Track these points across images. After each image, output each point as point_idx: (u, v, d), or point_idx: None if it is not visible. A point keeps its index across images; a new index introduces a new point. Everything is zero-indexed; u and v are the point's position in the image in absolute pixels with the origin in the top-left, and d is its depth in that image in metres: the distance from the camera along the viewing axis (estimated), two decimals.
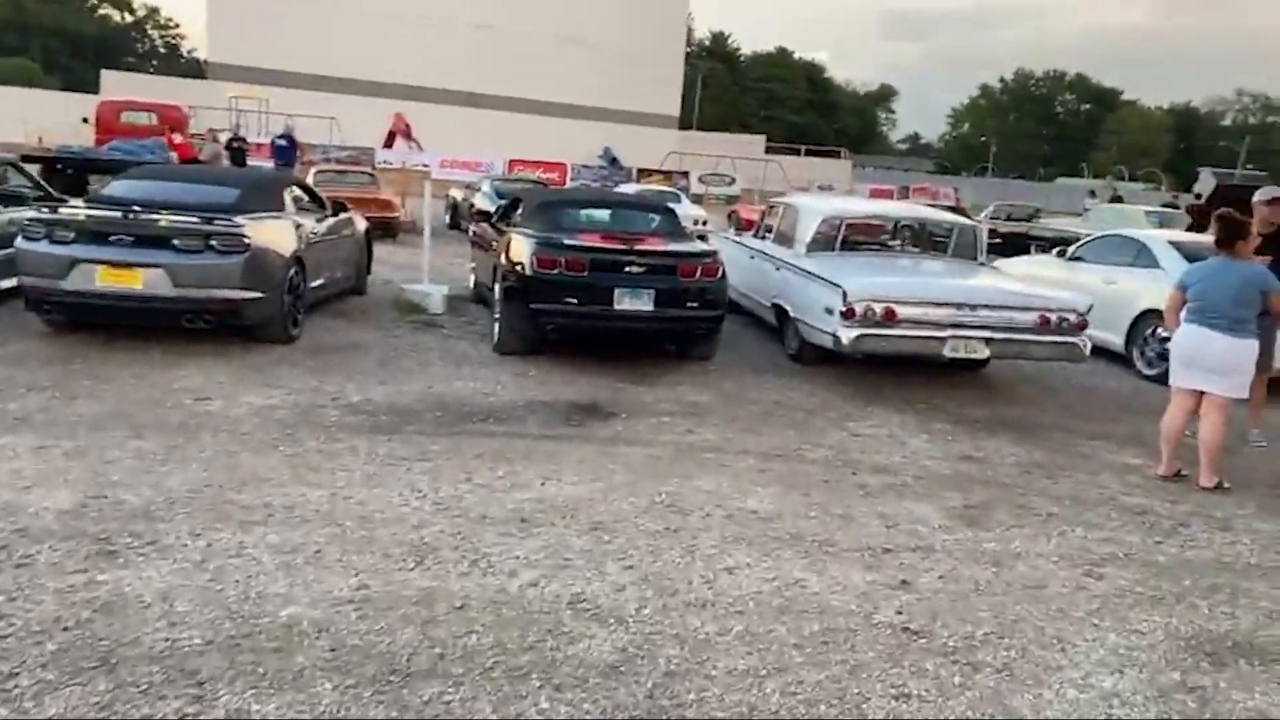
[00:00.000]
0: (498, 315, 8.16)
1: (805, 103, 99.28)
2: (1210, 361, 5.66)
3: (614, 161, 44.30)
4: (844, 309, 7.33)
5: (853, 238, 9.12)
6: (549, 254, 7.51)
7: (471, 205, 18.55)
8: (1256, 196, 6.94)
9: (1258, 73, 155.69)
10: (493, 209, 12.32)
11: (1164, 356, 9.00)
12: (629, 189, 22.93)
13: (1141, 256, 9.63)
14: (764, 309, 9.26)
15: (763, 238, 10.00)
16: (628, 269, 7.54)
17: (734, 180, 40.82)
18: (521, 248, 7.74)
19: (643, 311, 7.56)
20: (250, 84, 40.67)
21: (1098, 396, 8.31)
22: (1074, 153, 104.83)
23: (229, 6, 45.91)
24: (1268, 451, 6.87)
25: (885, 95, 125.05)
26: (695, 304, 7.72)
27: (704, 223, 18.88)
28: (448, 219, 20.29)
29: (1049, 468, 6.04)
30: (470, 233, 11.12)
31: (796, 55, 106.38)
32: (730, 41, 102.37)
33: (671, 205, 12.01)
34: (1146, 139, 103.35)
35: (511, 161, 38.45)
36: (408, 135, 40.66)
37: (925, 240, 9.88)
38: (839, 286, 7.42)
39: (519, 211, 8.95)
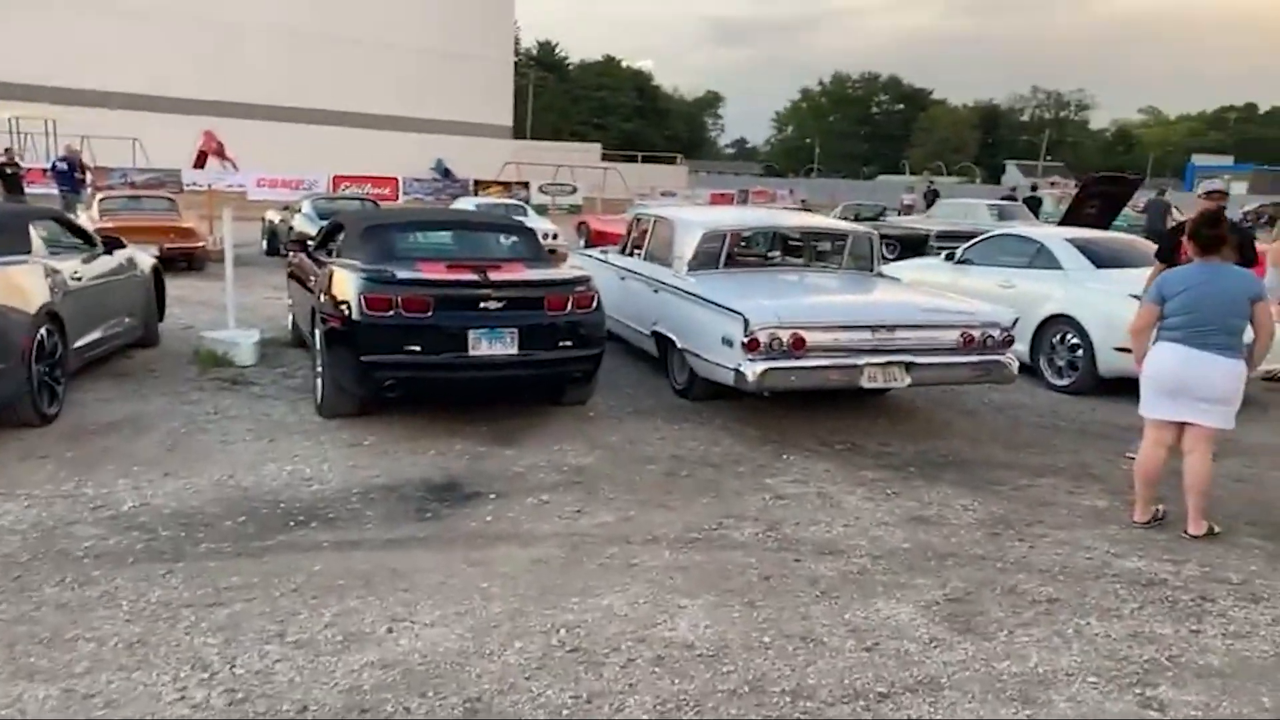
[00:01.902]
0: (320, 369, 6.57)
1: (635, 110, 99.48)
2: (1205, 389, 4.74)
3: (447, 173, 42.34)
4: (746, 339, 6.14)
5: (736, 253, 7.98)
6: (381, 291, 6.00)
7: (290, 229, 16.58)
8: (1200, 189, 6.14)
9: (1050, 71, 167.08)
10: (315, 233, 10.64)
11: (1075, 366, 8.32)
12: (467, 202, 21.20)
13: (1040, 257, 8.90)
14: (641, 337, 8.00)
15: (631, 254, 8.74)
16: (483, 305, 6.11)
17: (576, 189, 39.59)
18: (346, 285, 6.18)
19: (505, 356, 6.15)
20: (35, 103, 36.55)
21: (1017, 417, 7.44)
22: (891, 151, 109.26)
23: (7, 21, 41.29)
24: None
25: (711, 101, 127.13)
26: (569, 342, 6.36)
27: (555, 236, 17.50)
28: (264, 245, 18.16)
29: (1015, 525, 5.01)
30: (287, 263, 9.38)
31: (624, 64, 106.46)
32: (558, 50, 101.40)
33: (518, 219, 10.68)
34: (955, 136, 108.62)
35: (337, 178, 35.94)
36: (220, 154, 37.52)
37: (810, 252, 8.85)
38: (739, 314, 6.23)
39: (341, 238, 7.37)
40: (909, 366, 6.38)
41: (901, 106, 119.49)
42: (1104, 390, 8.07)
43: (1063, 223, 15.50)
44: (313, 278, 7.28)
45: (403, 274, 6.17)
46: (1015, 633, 3.77)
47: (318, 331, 6.56)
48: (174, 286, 12.61)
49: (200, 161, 37.24)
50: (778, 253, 9.21)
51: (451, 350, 6.02)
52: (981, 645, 3.64)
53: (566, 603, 3.86)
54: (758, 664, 3.43)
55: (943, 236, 18.82)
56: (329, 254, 7.45)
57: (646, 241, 8.39)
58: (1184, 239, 6.05)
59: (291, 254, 8.64)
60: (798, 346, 6.19)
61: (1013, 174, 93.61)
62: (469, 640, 3.52)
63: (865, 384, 6.32)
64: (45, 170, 20.57)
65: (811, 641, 3.62)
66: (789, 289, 7.30)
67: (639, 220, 8.89)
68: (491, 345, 6.10)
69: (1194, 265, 4.91)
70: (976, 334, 6.56)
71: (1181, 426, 4.90)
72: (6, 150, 19.95)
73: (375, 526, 4.65)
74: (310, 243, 8.51)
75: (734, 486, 5.45)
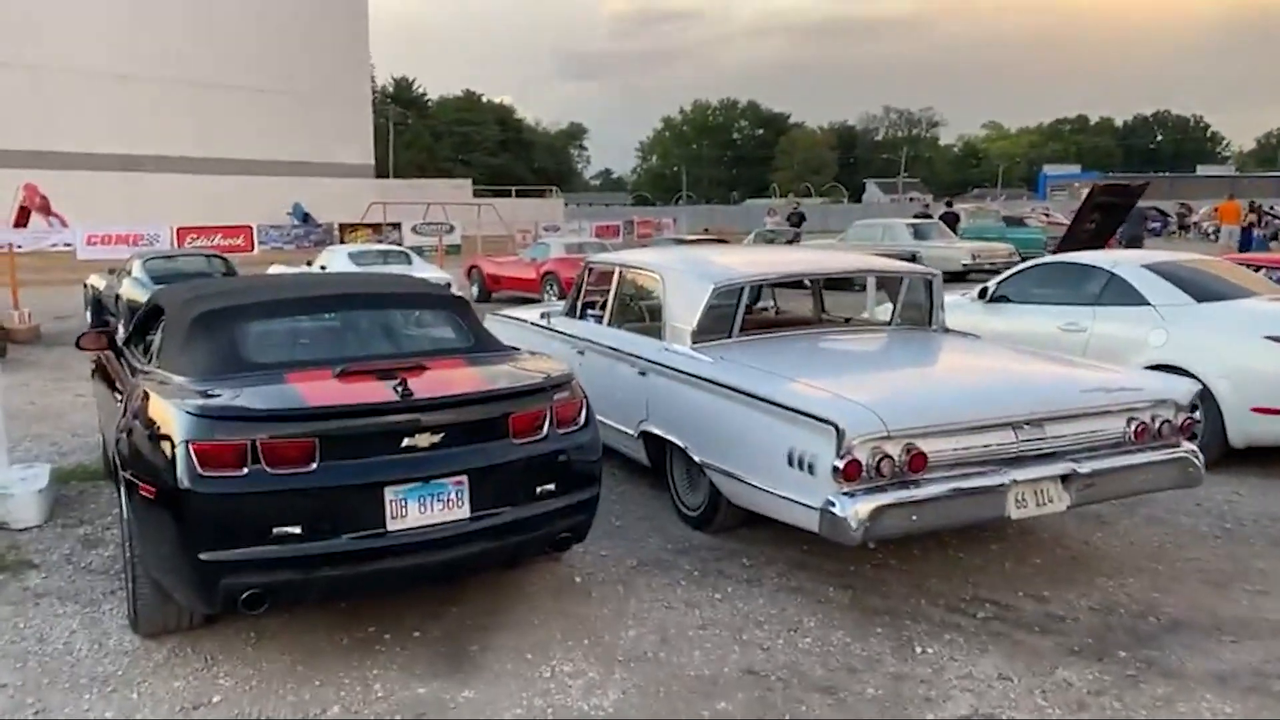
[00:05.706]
0: (132, 556, 3.90)
1: (499, 144, 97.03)
2: None
3: (306, 218, 38.90)
4: (841, 462, 3.81)
5: (749, 314, 5.64)
6: (225, 434, 3.39)
7: (118, 298, 13.42)
8: None
9: (899, 91, 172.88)
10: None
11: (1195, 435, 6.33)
12: (337, 254, 17.63)
13: (1111, 290, 6.89)
14: (622, 438, 5.57)
15: (583, 317, 6.35)
16: (407, 441, 3.58)
17: (454, 228, 36.67)
18: (165, 420, 3.55)
19: (451, 524, 3.61)
20: None
21: (1164, 521, 5.30)
22: (755, 175, 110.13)
23: None
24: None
25: (575, 133, 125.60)
26: (552, 483, 3.88)
27: (448, 286, 14.78)
28: (89, 317, 14.86)
29: None
30: (91, 358, 6.33)
31: (484, 98, 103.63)
32: (415, 86, 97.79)
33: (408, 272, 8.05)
34: (815, 157, 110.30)
35: (181, 230, 32.02)
36: (46, 210, 33.22)
37: (819, 302, 6.60)
38: (826, 422, 3.88)
39: (160, 329, 4.63)
40: (1067, 479, 4.18)
41: (761, 131, 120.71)
42: (1234, 462, 6.10)
43: (1063, 244, 13.77)
44: (118, 395, 4.60)
45: (261, 398, 3.58)
46: None
47: (122, 496, 3.90)
48: None
49: (21, 219, 32.86)
50: (773, 307, 6.94)
51: (357, 527, 3.46)
52: None
53: None
54: None
55: None
56: (145, 353, 4.74)
57: (613, 300, 5.99)
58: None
59: (86, 345, 5.56)
60: (916, 466, 3.90)
61: (873, 191, 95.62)
62: None
63: (1013, 513, 4.08)
64: None
65: None
66: (862, 365, 4.99)
67: (592, 270, 6.48)
68: (426, 509, 3.56)
69: None
70: (1146, 418, 4.42)
71: None
72: None
73: None
74: (119, 332, 5.67)
75: None
